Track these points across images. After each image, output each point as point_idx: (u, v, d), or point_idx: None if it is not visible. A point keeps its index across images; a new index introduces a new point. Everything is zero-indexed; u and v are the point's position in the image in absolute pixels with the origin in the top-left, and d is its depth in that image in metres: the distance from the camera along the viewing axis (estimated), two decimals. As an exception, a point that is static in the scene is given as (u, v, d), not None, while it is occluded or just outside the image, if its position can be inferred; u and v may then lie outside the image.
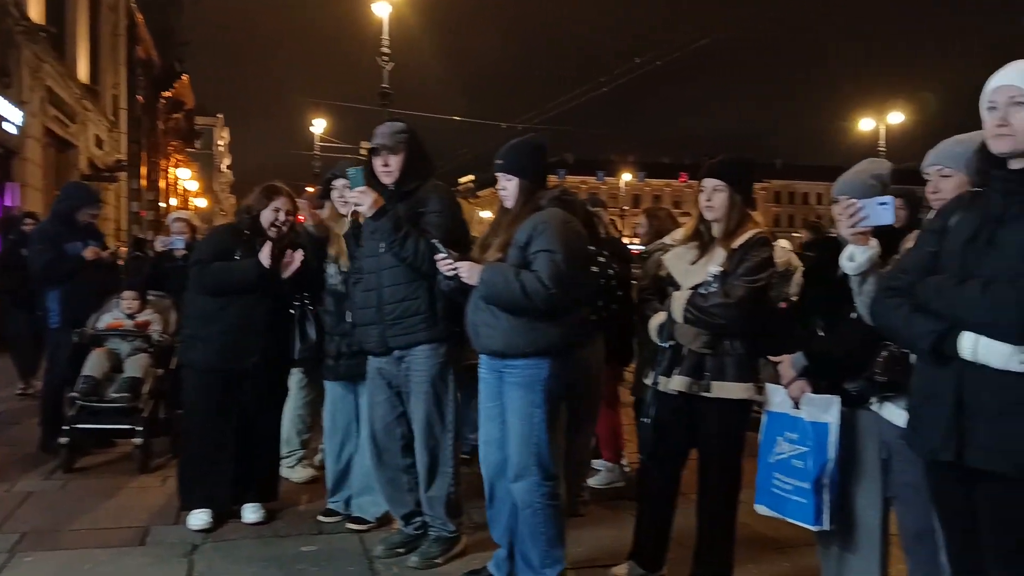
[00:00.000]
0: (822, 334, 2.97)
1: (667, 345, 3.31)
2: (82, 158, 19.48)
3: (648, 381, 3.40)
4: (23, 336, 7.42)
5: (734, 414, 3.27)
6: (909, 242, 2.54)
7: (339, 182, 4.19)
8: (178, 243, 6.24)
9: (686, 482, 3.54)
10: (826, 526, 2.97)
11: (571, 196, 3.51)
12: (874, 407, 2.86)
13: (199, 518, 4.15)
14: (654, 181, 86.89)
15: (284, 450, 4.95)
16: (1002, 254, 2.08)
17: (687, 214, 3.89)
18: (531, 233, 3.23)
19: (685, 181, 69.56)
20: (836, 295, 2.86)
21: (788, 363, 3.02)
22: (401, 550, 3.87)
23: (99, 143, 21.52)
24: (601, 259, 4.29)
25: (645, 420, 3.37)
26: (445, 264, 3.34)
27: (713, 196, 3.28)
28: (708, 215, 3.32)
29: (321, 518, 4.35)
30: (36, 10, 15.42)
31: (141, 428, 5.22)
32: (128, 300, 5.71)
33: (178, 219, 6.72)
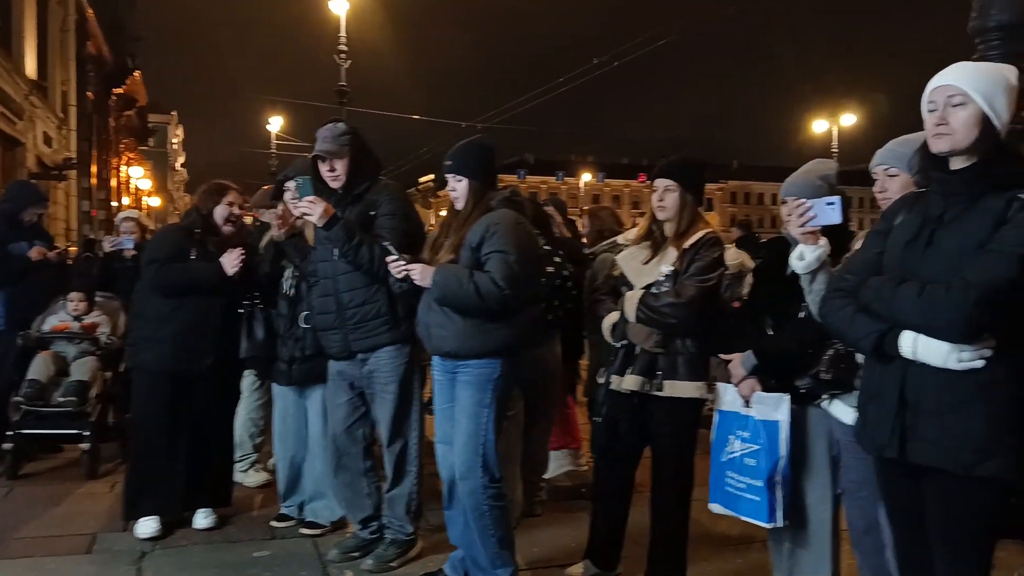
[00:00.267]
0: (771, 333, 3.01)
1: (620, 344, 3.32)
2: (30, 156, 18.96)
3: (601, 380, 3.42)
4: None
5: (686, 413, 3.30)
6: (859, 242, 2.58)
7: (292, 183, 4.12)
8: (127, 243, 6.12)
9: (641, 480, 3.56)
10: (780, 523, 3.01)
11: (521, 197, 3.51)
12: (824, 405, 2.90)
13: (148, 526, 4.06)
14: (613, 181, 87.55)
15: (237, 454, 4.87)
16: (941, 255, 2.12)
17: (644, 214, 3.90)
18: (483, 234, 3.22)
19: (644, 181, 70.10)
20: (785, 294, 2.90)
21: (738, 362, 3.05)
22: (356, 554, 3.82)
23: (47, 140, 20.98)
24: (556, 259, 4.30)
25: (597, 420, 3.38)
26: (397, 267, 3.31)
27: (665, 196, 3.31)
28: (660, 215, 3.34)
29: (274, 523, 4.29)
30: (-21, 4, 14.98)
31: (89, 433, 5.11)
32: (75, 302, 5.58)
33: (127, 219, 6.58)
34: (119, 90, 32.03)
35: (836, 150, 30.39)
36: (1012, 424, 2.04)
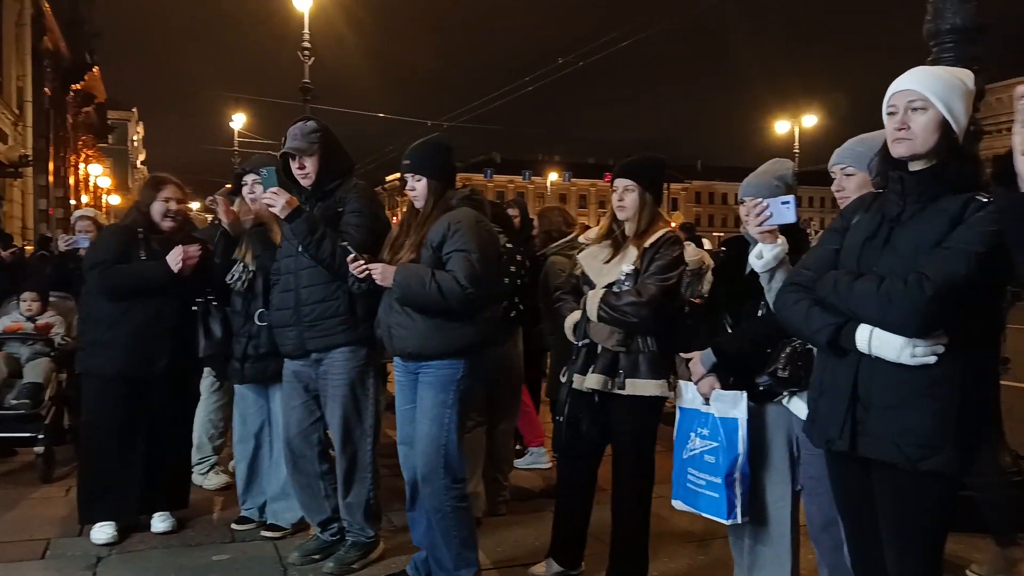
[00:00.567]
0: (731, 331, 3.03)
1: (582, 344, 3.33)
2: (-17, 153, 18.55)
3: (563, 379, 3.42)
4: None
5: (646, 411, 3.31)
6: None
7: (250, 177, 4.07)
8: (83, 242, 5.96)
9: (605, 478, 3.57)
10: (739, 520, 3.02)
11: (480, 196, 3.50)
12: (784, 402, 2.93)
13: (103, 532, 3.97)
14: (580, 181, 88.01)
15: (196, 456, 4.80)
16: (897, 253, 2.15)
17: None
18: (445, 233, 3.20)
19: (610, 181, 70.60)
20: (745, 293, 2.93)
21: (698, 360, 3.07)
22: (317, 557, 3.78)
23: (3, 137, 20.55)
24: (518, 257, 4.31)
25: (560, 419, 3.38)
26: (357, 266, 3.28)
27: (624, 196, 3.32)
28: (620, 214, 3.36)
29: (235, 526, 4.23)
30: (-70, -3, 14.58)
31: (43, 436, 5.01)
32: (28, 302, 5.47)
33: (83, 217, 6.42)
34: (77, 86, 31.48)
35: (797, 151, 30.85)
36: (958, 420, 2.08)
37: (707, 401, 3.07)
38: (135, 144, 65.09)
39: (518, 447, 5.28)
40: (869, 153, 2.45)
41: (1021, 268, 1.77)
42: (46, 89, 25.95)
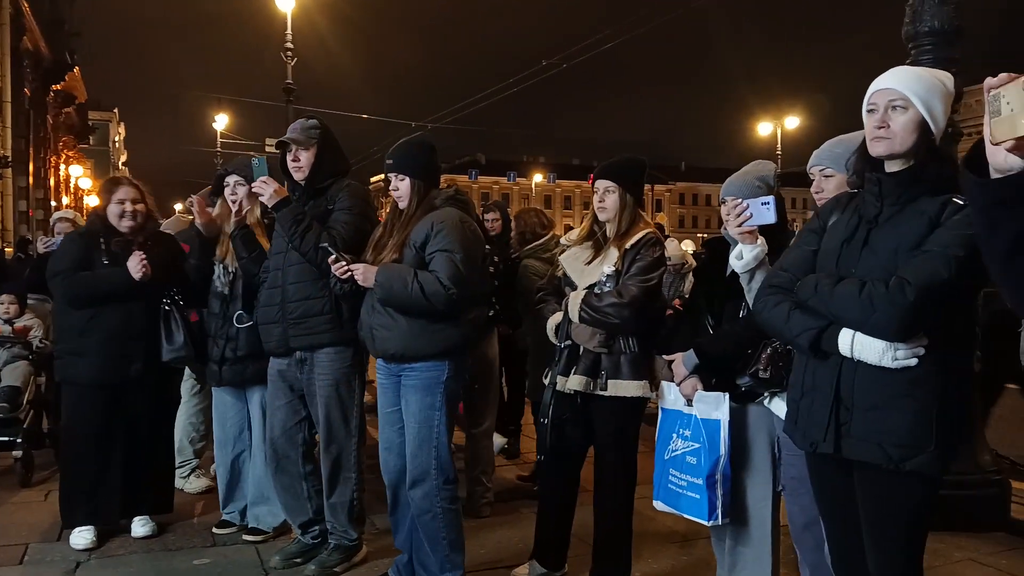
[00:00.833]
0: (712, 332, 3.04)
1: (564, 345, 3.33)
2: (-38, 154, 18.35)
3: (546, 381, 3.42)
4: None
5: (628, 412, 3.31)
6: None
7: (232, 179, 4.04)
8: (62, 244, 5.92)
9: (588, 479, 3.57)
10: (719, 521, 3.03)
11: (465, 196, 3.49)
12: (766, 403, 2.94)
13: (83, 537, 3.94)
14: (565, 182, 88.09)
15: (177, 460, 4.76)
16: (875, 255, 2.16)
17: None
18: (428, 233, 3.19)
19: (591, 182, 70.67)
20: (726, 294, 2.93)
21: (680, 361, 3.08)
22: (299, 560, 3.76)
23: (-19, 138, 20.33)
24: (496, 258, 4.32)
25: (544, 421, 3.37)
26: (339, 267, 3.26)
27: (605, 197, 3.33)
28: (601, 216, 3.36)
29: (216, 530, 4.19)
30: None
31: (21, 440, 4.96)
32: (6, 304, 5.40)
33: (62, 219, 6.36)
34: (58, 86, 31.21)
35: (780, 152, 31.07)
36: (939, 420, 2.09)
37: (689, 402, 3.08)
38: (116, 145, 64.54)
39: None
40: (847, 154, 2.46)
41: (988, 257, 1.68)
42: (26, 90, 25.72)
